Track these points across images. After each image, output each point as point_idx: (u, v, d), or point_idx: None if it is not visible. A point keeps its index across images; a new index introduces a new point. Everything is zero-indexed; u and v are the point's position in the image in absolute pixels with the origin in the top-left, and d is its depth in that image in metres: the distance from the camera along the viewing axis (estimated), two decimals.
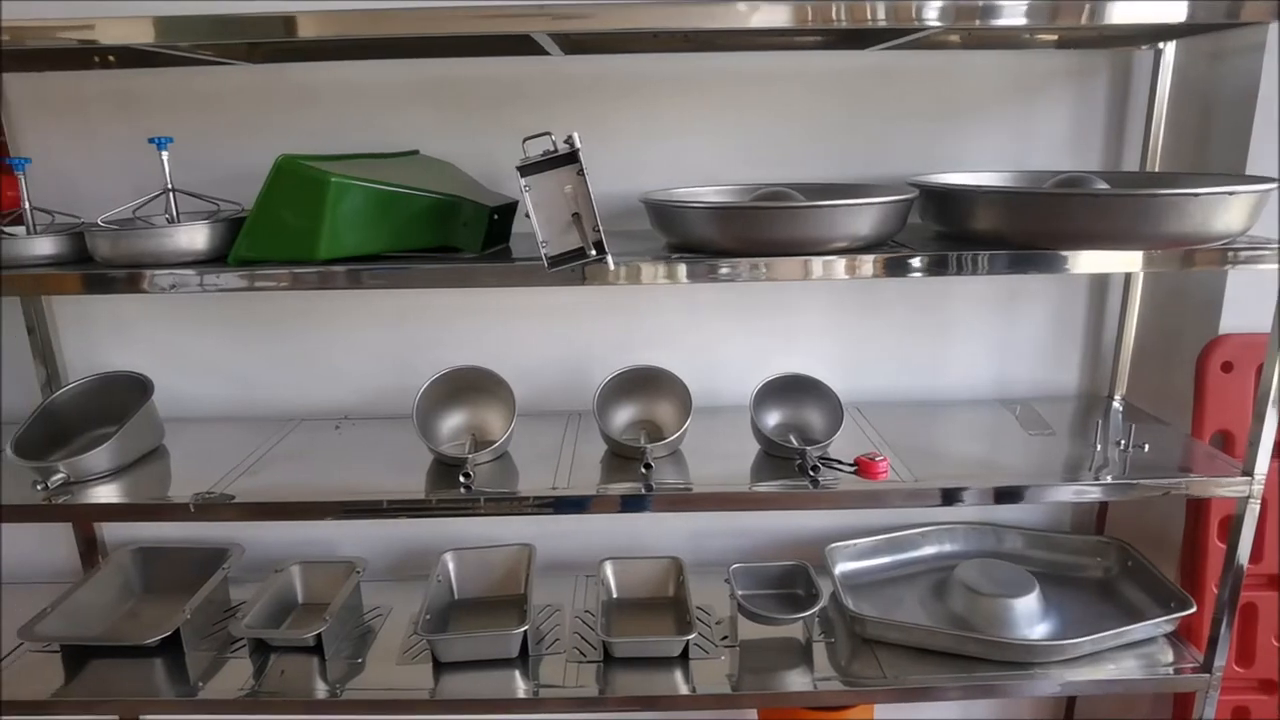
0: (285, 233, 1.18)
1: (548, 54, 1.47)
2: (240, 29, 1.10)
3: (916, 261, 1.20)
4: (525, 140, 1.24)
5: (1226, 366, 1.50)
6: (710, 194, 1.43)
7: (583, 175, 1.09)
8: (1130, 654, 1.43)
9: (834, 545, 1.64)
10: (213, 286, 1.20)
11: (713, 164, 1.56)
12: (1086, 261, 1.19)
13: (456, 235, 1.27)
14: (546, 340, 1.67)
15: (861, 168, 1.56)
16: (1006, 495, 1.32)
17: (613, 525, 1.76)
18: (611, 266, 1.09)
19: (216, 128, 1.53)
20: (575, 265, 1.11)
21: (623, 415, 1.51)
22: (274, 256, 1.20)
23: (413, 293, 1.62)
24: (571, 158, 1.09)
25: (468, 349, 1.65)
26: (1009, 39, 1.45)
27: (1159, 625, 1.45)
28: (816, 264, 1.18)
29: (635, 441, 1.43)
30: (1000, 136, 1.56)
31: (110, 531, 1.78)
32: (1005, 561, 1.60)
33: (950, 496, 1.31)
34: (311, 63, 1.51)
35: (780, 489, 1.33)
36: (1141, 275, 1.59)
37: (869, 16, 1.08)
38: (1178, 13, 1.10)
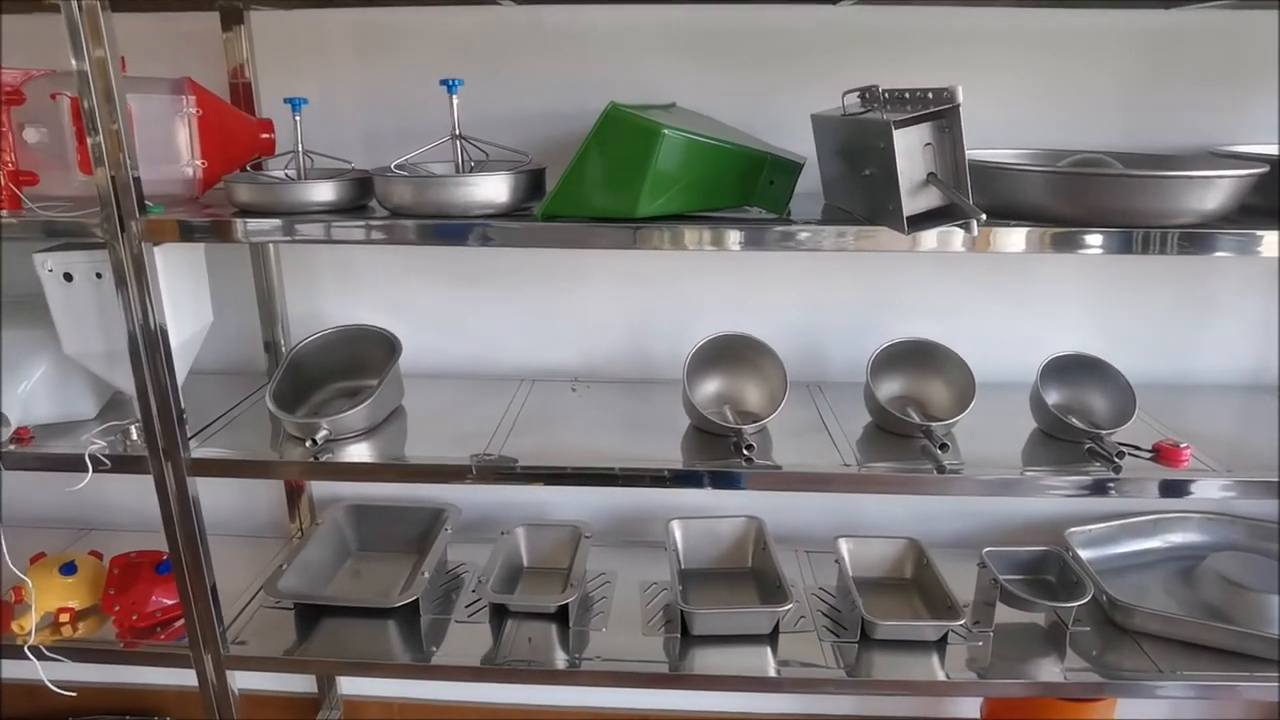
0: (604, 187, 1.10)
1: (824, 3, 1.38)
2: None
3: None
4: (845, 93, 1.17)
5: None
6: (1008, 157, 1.34)
7: (952, 131, 1.00)
8: None
9: (1073, 530, 1.58)
10: (521, 242, 1.13)
11: (996, 125, 1.46)
12: None
13: (759, 194, 1.19)
14: (780, 307, 1.59)
15: (1146, 134, 1.46)
16: None
17: (829, 501, 1.70)
18: (975, 232, 1.02)
19: (460, 71, 1.45)
20: (938, 226, 1.03)
21: (886, 388, 1.44)
22: (588, 213, 1.13)
23: (650, 254, 1.54)
24: (938, 114, 1.00)
25: (699, 314, 1.58)
26: None
27: None
28: (1171, 237, 1.10)
29: (905, 415, 1.36)
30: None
31: (316, 488, 1.75)
32: (1259, 555, 1.53)
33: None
34: (567, 5, 1.43)
35: (1059, 475, 1.26)
36: None
37: None
38: None
